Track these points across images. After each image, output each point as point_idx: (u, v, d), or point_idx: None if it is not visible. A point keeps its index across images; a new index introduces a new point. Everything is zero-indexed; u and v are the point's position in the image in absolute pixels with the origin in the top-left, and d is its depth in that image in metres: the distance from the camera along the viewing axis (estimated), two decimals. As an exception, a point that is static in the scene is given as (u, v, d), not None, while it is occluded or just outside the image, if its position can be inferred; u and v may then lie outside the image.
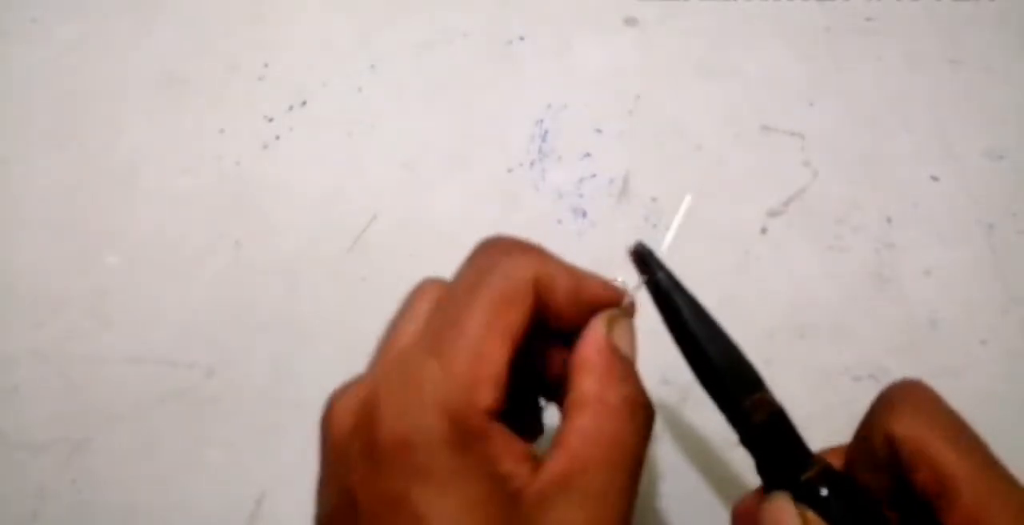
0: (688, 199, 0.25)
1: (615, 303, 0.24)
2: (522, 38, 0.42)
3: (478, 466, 0.19)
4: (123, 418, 0.34)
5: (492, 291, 0.21)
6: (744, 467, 0.32)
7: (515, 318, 0.20)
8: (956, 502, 0.20)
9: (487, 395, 0.19)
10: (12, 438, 0.34)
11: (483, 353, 0.20)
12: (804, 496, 0.23)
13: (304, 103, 0.40)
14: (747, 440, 0.24)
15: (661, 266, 0.24)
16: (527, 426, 0.26)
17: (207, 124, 0.40)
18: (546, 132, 0.40)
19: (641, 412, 0.21)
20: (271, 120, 0.40)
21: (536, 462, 0.20)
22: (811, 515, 0.22)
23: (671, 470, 0.33)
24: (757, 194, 0.38)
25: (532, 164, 0.39)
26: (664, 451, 0.33)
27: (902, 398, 0.22)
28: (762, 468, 0.24)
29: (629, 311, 0.25)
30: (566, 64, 0.42)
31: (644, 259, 0.24)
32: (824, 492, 0.22)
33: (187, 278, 0.37)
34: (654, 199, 0.38)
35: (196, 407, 0.34)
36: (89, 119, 0.40)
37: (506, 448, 0.19)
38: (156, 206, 0.38)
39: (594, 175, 0.39)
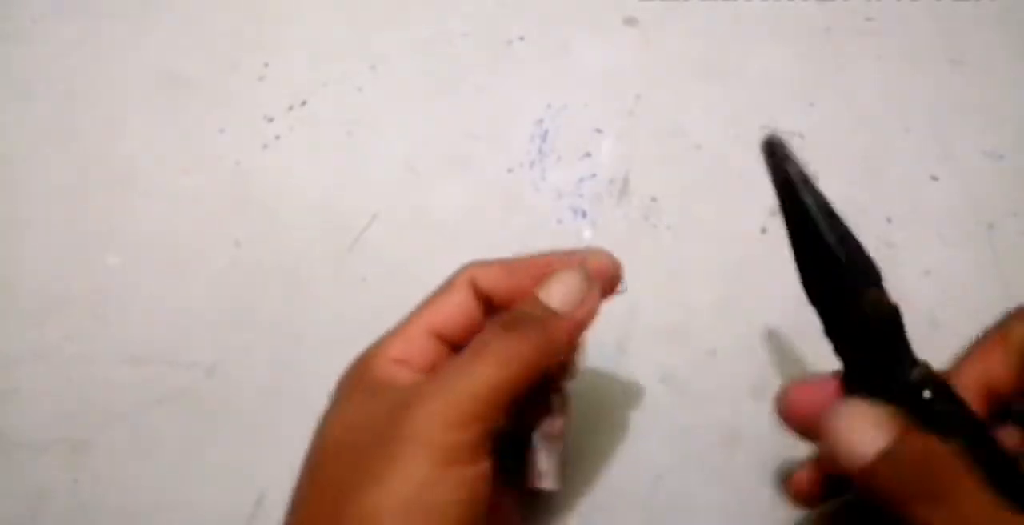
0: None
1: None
2: (522, 38, 0.42)
3: (371, 385, 0.24)
4: (123, 418, 0.34)
5: (433, 293, 0.27)
6: (745, 465, 0.32)
7: (444, 301, 0.26)
8: None
9: (394, 347, 0.25)
10: (12, 438, 0.33)
11: (405, 324, 0.26)
12: (905, 398, 0.22)
13: (304, 103, 0.40)
14: (851, 334, 0.23)
15: (791, 158, 0.23)
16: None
17: (207, 124, 0.40)
18: (546, 132, 0.40)
19: (516, 333, 0.24)
20: (271, 120, 0.40)
21: None
22: (885, 408, 0.21)
23: (669, 470, 0.33)
24: (757, 194, 0.38)
25: (532, 164, 0.39)
26: (664, 451, 0.33)
27: None
28: (854, 367, 0.23)
29: (607, 276, 0.27)
30: (566, 64, 0.42)
31: (774, 150, 0.23)
32: (927, 394, 0.22)
33: (187, 278, 0.36)
34: (654, 199, 0.38)
35: (196, 407, 0.34)
36: (89, 119, 0.40)
37: (392, 370, 0.25)
38: (156, 206, 0.38)
39: (594, 175, 0.39)
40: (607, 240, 0.37)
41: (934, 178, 0.39)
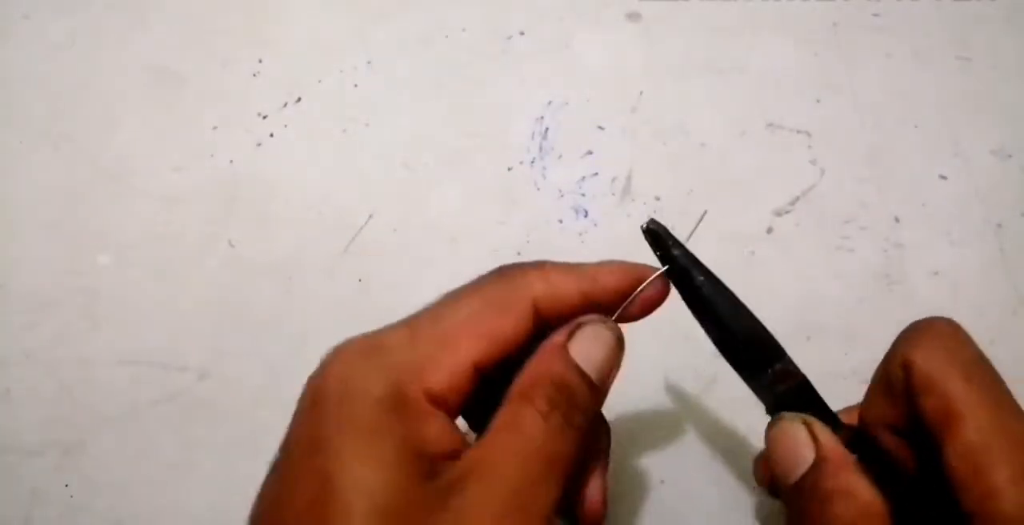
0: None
1: (637, 285, 0.24)
2: (522, 33, 0.42)
3: (402, 434, 0.20)
4: (116, 421, 0.34)
5: (486, 295, 0.22)
6: (749, 470, 0.32)
7: (499, 326, 0.21)
8: (959, 431, 0.20)
9: (437, 379, 0.20)
10: (3, 441, 0.33)
11: (452, 343, 0.21)
12: None
13: (299, 100, 0.40)
14: (774, 409, 0.24)
15: (676, 243, 0.24)
16: None
17: (200, 121, 0.39)
18: (547, 129, 0.39)
19: (561, 413, 0.21)
20: (265, 117, 0.39)
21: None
22: (817, 425, 0.22)
23: (672, 474, 0.32)
24: (763, 193, 0.38)
25: (532, 162, 0.39)
26: (668, 455, 0.33)
27: (926, 329, 0.23)
28: None
29: (642, 312, 0.24)
30: (567, 60, 0.41)
31: (658, 237, 0.24)
32: (855, 458, 0.23)
33: (180, 279, 0.36)
34: (657, 198, 0.38)
35: (189, 410, 0.34)
36: (81, 117, 0.40)
37: (441, 434, 0.20)
38: (149, 205, 0.38)
39: (596, 173, 0.38)
40: (609, 240, 0.37)
41: (943, 177, 0.38)
